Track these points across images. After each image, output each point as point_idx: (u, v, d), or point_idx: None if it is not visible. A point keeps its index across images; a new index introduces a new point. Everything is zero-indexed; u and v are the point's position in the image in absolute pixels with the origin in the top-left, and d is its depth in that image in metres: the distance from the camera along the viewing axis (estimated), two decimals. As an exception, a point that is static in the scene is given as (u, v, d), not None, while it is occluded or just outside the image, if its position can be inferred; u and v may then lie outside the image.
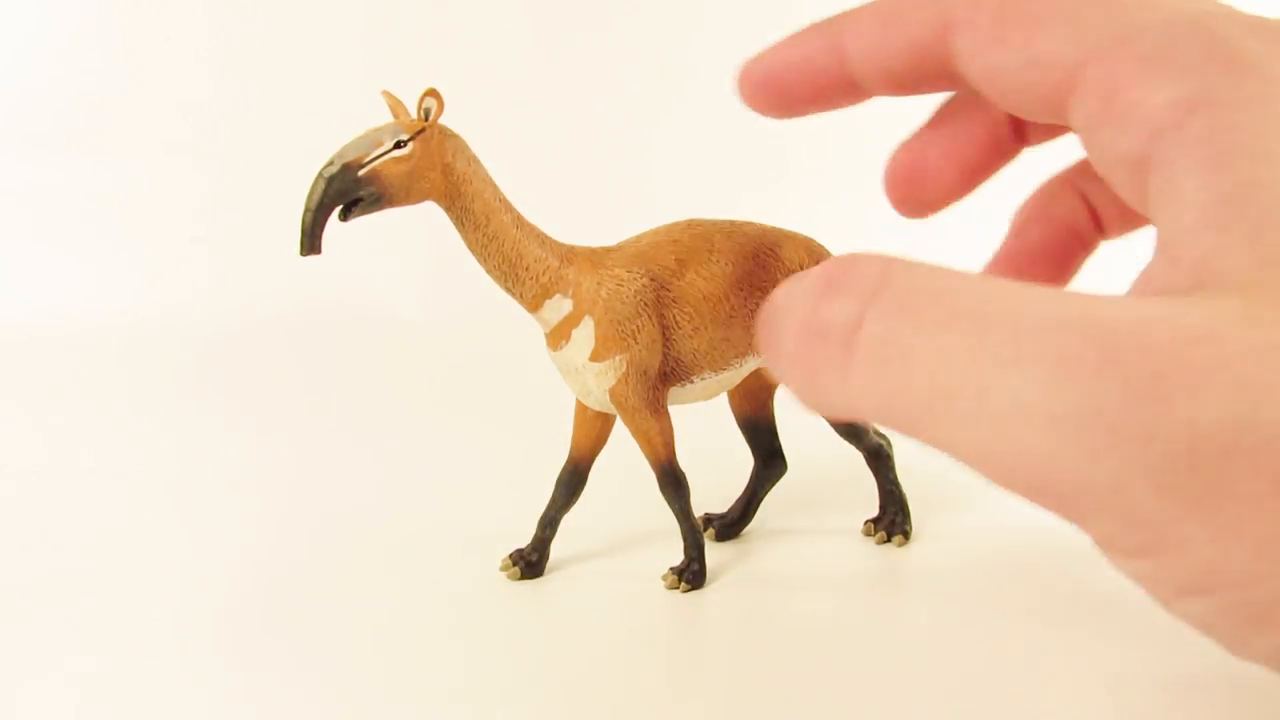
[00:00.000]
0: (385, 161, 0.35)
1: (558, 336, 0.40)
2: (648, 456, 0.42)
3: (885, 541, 0.45)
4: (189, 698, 0.33)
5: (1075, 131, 0.21)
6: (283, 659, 0.35)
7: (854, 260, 0.18)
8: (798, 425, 0.61)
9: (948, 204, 0.29)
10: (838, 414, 0.18)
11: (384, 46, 0.99)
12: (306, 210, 0.34)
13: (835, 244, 0.40)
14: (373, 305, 0.87)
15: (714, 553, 0.43)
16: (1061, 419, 0.15)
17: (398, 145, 0.35)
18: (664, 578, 0.42)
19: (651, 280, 0.40)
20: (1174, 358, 0.15)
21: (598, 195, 0.80)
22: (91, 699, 0.33)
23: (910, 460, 0.54)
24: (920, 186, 0.28)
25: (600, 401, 0.41)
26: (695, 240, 0.41)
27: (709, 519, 0.47)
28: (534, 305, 0.39)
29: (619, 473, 0.44)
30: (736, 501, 0.47)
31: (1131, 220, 0.29)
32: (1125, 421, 0.15)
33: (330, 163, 0.34)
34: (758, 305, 0.38)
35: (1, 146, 0.94)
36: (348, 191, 0.35)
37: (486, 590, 0.40)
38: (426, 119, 0.35)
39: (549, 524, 0.42)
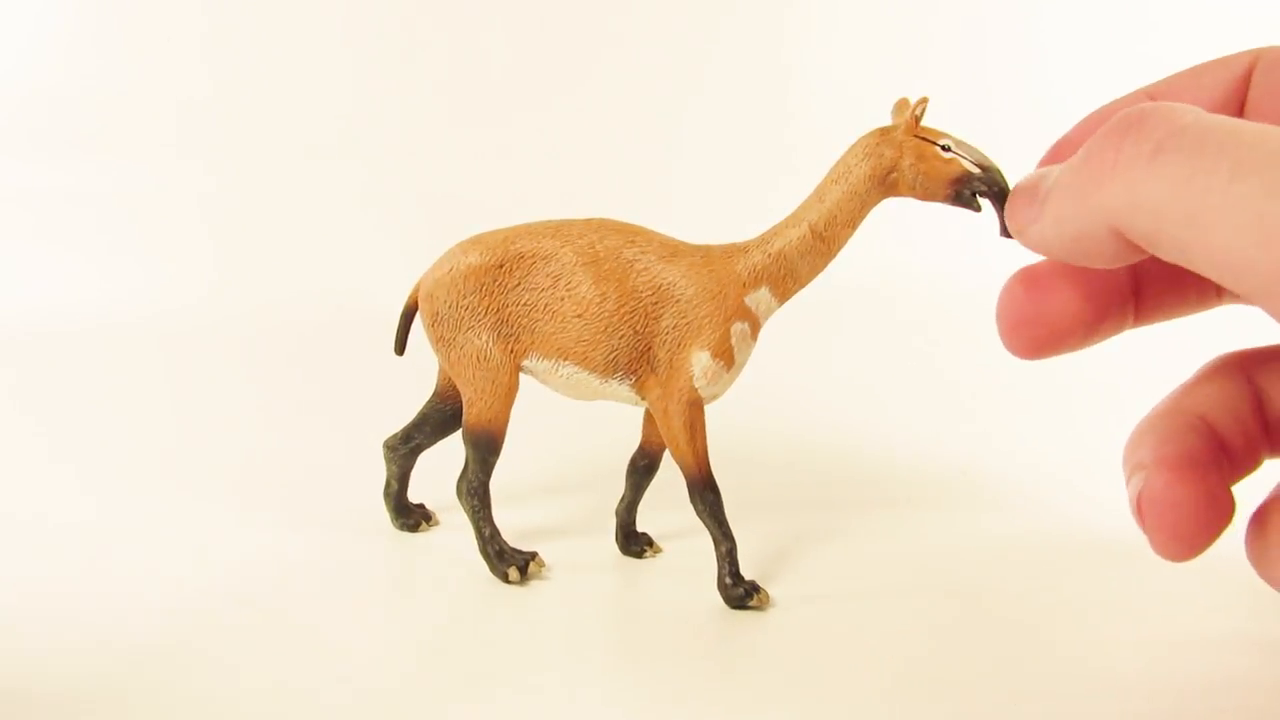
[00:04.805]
0: None
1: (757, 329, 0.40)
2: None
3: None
4: (191, 695, 0.33)
5: None
6: (283, 657, 0.35)
7: (1158, 104, 0.20)
8: (793, 433, 0.61)
9: (1069, 348, 0.26)
10: (1117, 205, 0.20)
11: (384, 47, 1.00)
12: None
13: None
14: (372, 305, 0.87)
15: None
16: None
17: None
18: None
19: None
20: None
21: (609, 197, 0.80)
22: (93, 696, 0.33)
23: (923, 464, 0.55)
24: (1040, 326, 0.25)
25: (724, 388, 0.40)
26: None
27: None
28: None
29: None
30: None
31: None
32: None
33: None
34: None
35: (4, 146, 0.94)
36: None
37: (489, 587, 0.40)
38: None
39: (725, 533, 0.40)
